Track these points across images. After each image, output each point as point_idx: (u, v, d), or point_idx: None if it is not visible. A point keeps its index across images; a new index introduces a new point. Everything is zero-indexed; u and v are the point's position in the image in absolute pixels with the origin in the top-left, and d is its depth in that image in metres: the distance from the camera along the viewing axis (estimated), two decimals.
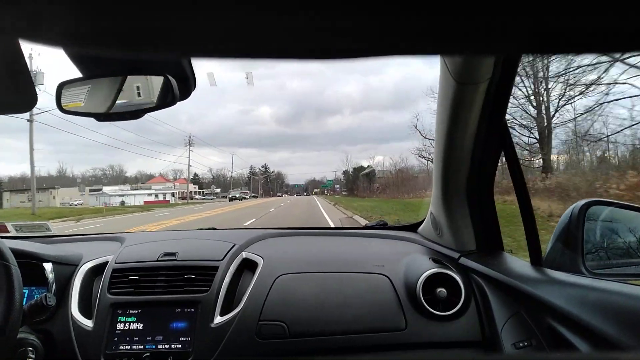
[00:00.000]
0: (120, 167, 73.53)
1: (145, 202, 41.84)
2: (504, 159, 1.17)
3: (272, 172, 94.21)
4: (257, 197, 63.17)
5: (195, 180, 77.47)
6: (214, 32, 0.18)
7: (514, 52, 0.21)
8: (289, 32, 0.18)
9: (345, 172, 55.86)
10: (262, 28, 0.18)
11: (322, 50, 0.19)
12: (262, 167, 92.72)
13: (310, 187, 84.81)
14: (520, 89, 9.74)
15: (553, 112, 9.77)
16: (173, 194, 48.63)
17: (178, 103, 0.69)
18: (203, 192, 66.22)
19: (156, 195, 47.13)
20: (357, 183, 42.73)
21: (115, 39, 0.18)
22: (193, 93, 0.72)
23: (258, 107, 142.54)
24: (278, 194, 77.13)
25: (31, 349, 1.10)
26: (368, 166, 46.72)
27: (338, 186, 59.05)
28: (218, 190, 67.97)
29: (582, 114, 8.54)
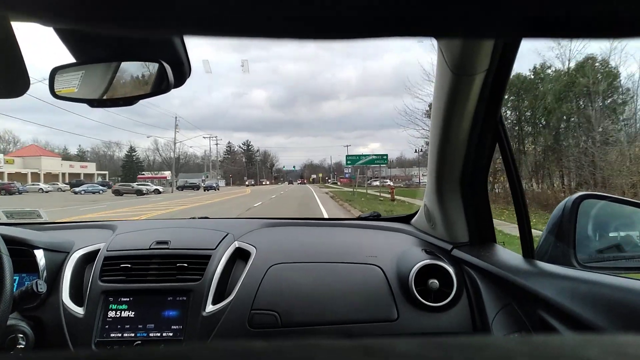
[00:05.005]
0: (11, 133, 56.68)
1: None
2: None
3: (257, 151, 78.72)
4: (195, 188, 38.67)
5: (129, 156, 59.81)
6: (208, 9, 0.17)
7: (512, 36, 0.20)
8: (285, 11, 0.17)
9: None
10: (258, 6, 0.17)
11: (318, 30, 0.19)
12: (243, 144, 78.33)
13: (307, 173, 75.58)
14: None
15: None
16: None
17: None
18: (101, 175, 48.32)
19: None
20: None
21: (107, 15, 0.18)
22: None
23: (252, 90, 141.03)
24: (247, 183, 54.40)
25: (21, 335, 1.10)
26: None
27: (347, 173, 36.61)
28: (166, 173, 54.59)
29: None
